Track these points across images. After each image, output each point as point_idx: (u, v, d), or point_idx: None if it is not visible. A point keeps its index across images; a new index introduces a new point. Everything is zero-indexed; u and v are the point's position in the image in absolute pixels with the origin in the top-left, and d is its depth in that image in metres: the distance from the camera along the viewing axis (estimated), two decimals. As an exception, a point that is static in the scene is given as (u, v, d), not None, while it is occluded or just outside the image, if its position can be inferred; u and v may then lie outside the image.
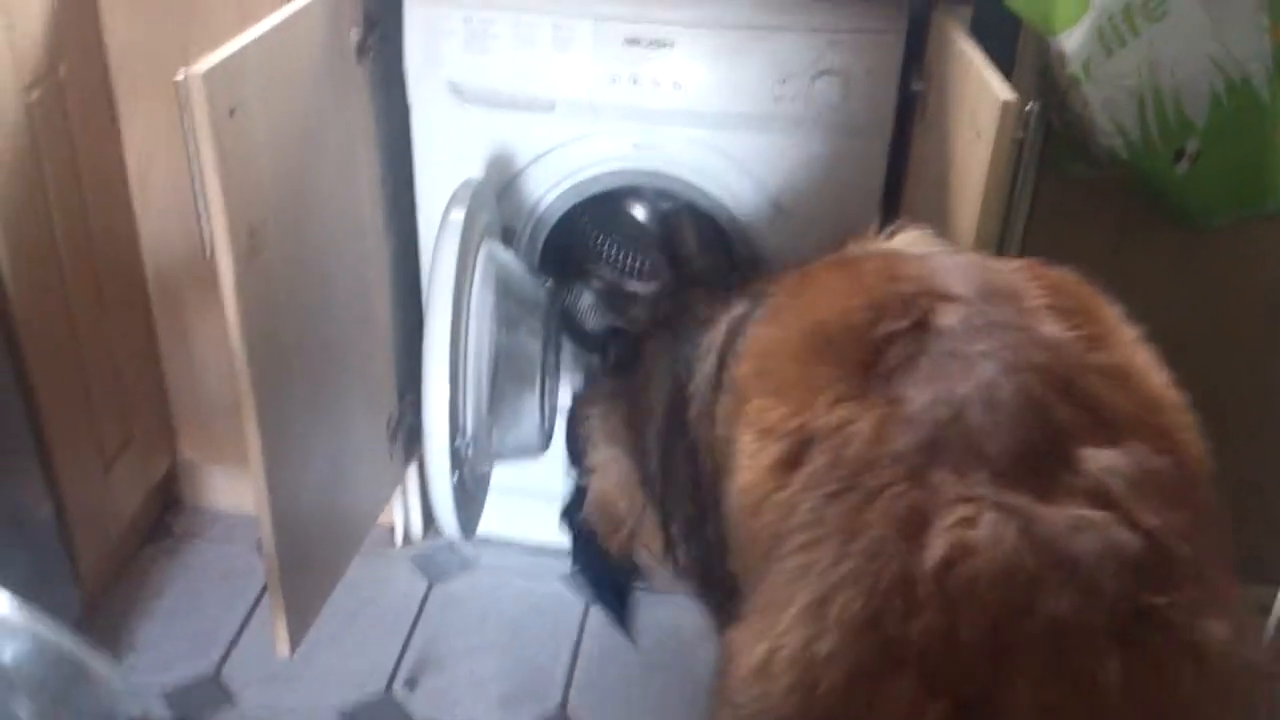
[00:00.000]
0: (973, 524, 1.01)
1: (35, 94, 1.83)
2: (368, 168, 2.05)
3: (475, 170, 2.01)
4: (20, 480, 1.90)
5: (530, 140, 2.02)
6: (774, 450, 1.18)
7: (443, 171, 2.04)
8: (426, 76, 2.01)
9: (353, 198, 2.02)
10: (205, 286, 2.00)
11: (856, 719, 0.99)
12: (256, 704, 2.06)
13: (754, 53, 1.90)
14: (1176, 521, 1.05)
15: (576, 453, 2.00)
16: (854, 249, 1.50)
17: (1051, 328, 1.19)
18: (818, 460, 1.13)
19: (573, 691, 2.13)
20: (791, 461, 1.16)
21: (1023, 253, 1.81)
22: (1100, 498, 1.05)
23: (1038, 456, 1.07)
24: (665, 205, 2.14)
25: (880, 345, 1.17)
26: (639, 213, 2.24)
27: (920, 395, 1.11)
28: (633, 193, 2.18)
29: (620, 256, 2.30)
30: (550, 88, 1.97)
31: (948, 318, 1.18)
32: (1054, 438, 1.09)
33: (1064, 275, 1.29)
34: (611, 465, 1.90)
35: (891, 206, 1.98)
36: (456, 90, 2.00)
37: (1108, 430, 1.10)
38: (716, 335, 1.49)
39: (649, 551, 1.87)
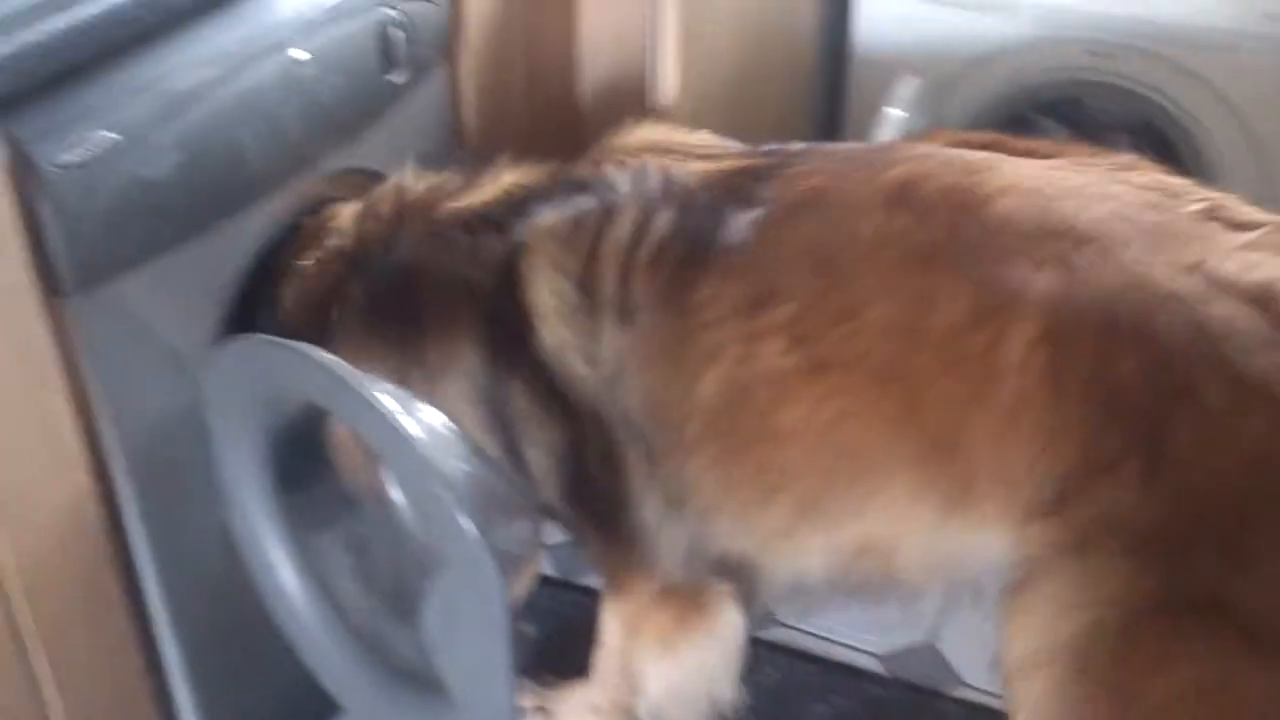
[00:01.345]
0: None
1: None
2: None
3: (914, 66, 1.92)
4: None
5: (973, 39, 1.92)
6: None
7: (879, 67, 1.98)
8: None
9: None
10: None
11: None
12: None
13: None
14: None
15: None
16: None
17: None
18: None
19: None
20: None
21: None
22: None
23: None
24: (1111, 122, 1.98)
25: None
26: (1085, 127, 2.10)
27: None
28: (1076, 104, 2.03)
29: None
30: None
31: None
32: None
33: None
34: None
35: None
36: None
37: None
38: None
39: None
